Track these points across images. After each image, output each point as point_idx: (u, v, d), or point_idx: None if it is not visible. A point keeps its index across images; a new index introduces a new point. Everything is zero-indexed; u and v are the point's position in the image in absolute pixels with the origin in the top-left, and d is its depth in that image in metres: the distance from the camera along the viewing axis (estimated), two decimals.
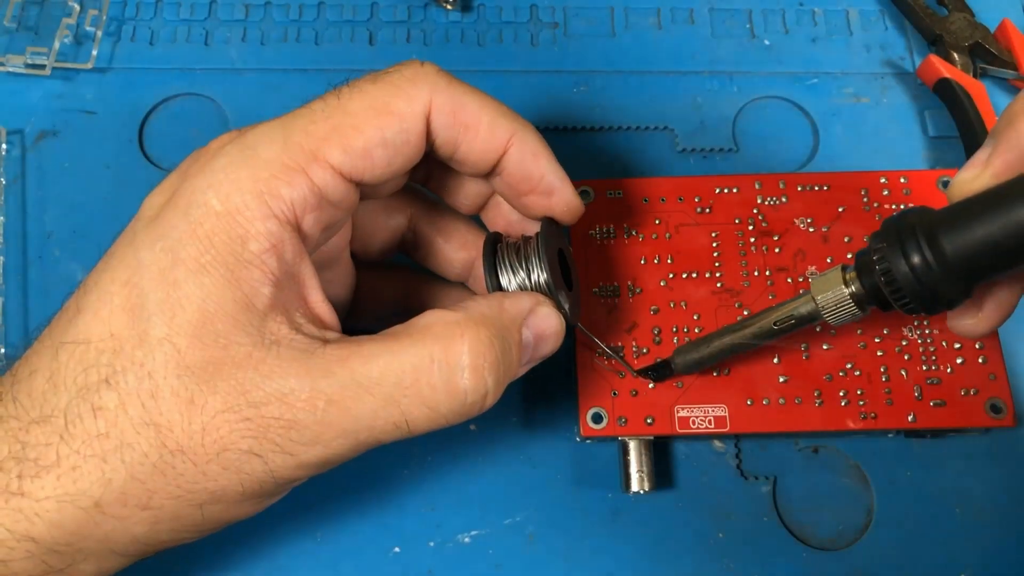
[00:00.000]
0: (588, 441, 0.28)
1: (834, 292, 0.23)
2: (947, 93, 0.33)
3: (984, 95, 0.33)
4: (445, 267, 0.27)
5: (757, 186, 0.29)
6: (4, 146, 0.32)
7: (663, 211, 0.29)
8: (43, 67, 0.33)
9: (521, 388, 0.29)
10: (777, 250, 0.29)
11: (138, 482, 0.19)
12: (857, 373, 0.27)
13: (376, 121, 0.21)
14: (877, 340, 0.27)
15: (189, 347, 0.19)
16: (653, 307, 0.28)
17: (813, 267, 0.28)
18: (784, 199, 0.29)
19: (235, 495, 0.20)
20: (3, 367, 0.29)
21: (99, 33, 0.34)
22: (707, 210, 0.29)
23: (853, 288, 0.23)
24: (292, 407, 0.20)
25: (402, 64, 0.22)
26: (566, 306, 0.24)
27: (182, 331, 0.19)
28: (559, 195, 0.24)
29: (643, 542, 0.28)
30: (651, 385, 0.27)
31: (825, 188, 0.29)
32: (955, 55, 0.34)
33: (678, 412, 0.27)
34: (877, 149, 0.33)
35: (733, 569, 0.27)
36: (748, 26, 0.35)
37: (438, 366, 0.20)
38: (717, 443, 0.29)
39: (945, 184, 0.29)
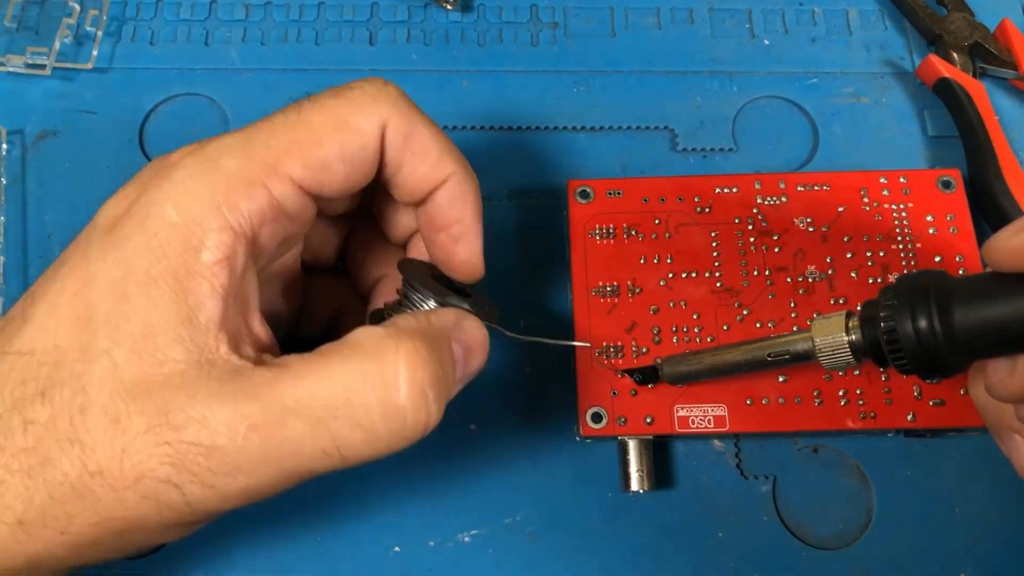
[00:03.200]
0: (588, 441, 0.28)
1: (834, 337, 0.23)
2: (947, 93, 0.33)
3: (984, 95, 0.33)
4: (362, 282, 0.27)
5: (757, 186, 0.29)
6: (4, 146, 0.32)
7: (663, 211, 0.29)
8: (43, 67, 0.33)
9: (521, 388, 0.29)
10: (777, 249, 0.29)
11: (58, 503, 0.19)
12: (856, 372, 0.27)
13: (337, 136, 0.21)
14: None
15: (126, 362, 0.19)
16: (653, 307, 0.28)
17: (813, 266, 0.28)
18: (784, 199, 0.29)
19: (155, 525, 0.19)
20: None
21: (99, 33, 0.34)
22: (707, 210, 0.29)
23: (854, 337, 0.23)
24: (212, 432, 0.18)
25: (364, 80, 0.22)
26: (478, 310, 0.23)
27: (123, 344, 0.19)
28: (464, 245, 0.24)
29: (643, 542, 0.28)
30: (633, 390, 0.27)
31: (825, 188, 0.29)
32: (955, 55, 0.34)
33: (678, 412, 0.27)
34: (876, 149, 0.33)
35: (733, 568, 0.27)
36: (748, 26, 0.35)
37: (372, 384, 0.19)
38: (717, 442, 0.29)
39: (945, 184, 0.29)
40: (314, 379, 0.19)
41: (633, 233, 0.29)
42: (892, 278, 0.28)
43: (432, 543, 0.27)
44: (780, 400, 0.27)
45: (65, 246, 0.31)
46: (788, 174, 0.30)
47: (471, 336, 0.22)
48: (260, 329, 0.21)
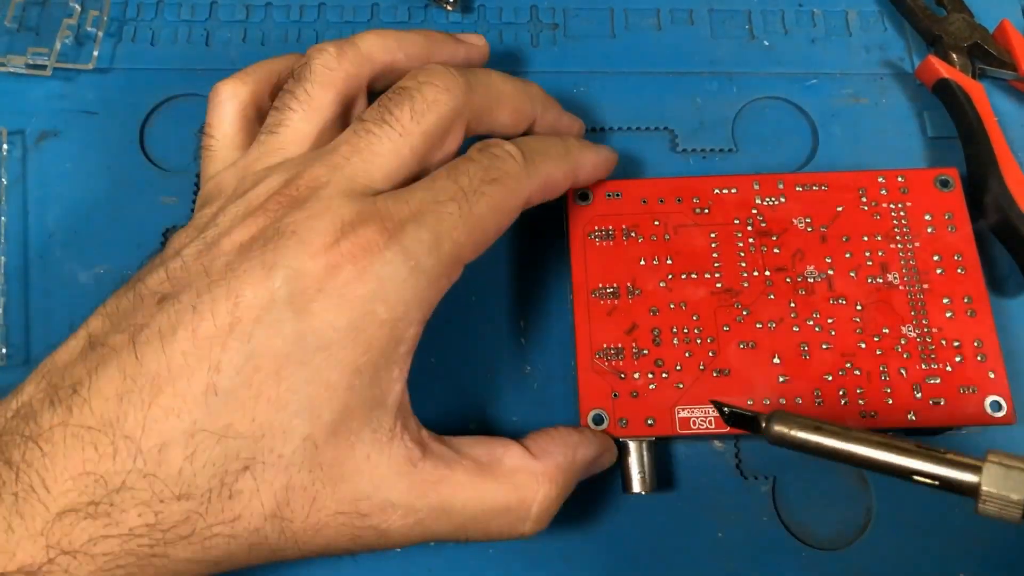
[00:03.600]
0: None
1: (1012, 491, 0.19)
2: (946, 94, 0.33)
3: (983, 96, 0.33)
4: None
5: (755, 186, 0.29)
6: (5, 146, 0.32)
7: (662, 212, 0.29)
8: (44, 68, 0.33)
9: (522, 388, 0.29)
10: (776, 250, 0.29)
11: (252, 557, 0.21)
12: (857, 372, 0.27)
13: (499, 222, 0.24)
14: (876, 339, 0.27)
15: (325, 444, 0.21)
16: (652, 308, 0.28)
17: (812, 266, 0.28)
18: (782, 199, 0.29)
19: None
20: (4, 367, 0.29)
21: (100, 34, 0.34)
22: (705, 210, 0.29)
23: None
24: (388, 520, 0.22)
25: (504, 155, 0.24)
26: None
27: (323, 429, 0.21)
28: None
29: (643, 542, 0.28)
30: (634, 391, 0.27)
31: (823, 188, 0.29)
32: (954, 56, 0.34)
33: (679, 413, 0.27)
34: (876, 149, 0.33)
35: (732, 568, 0.27)
36: (747, 27, 0.36)
37: (510, 514, 0.23)
38: (717, 443, 0.29)
39: (943, 183, 0.29)
40: (471, 494, 0.23)
41: (632, 235, 0.29)
42: (891, 278, 0.28)
43: (432, 543, 0.27)
44: (780, 400, 0.27)
45: (66, 246, 0.31)
46: (786, 175, 0.30)
47: (601, 466, 0.26)
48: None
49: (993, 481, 0.19)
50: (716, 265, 0.28)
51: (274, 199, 0.22)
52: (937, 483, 0.20)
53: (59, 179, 0.32)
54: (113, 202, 0.32)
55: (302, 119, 0.24)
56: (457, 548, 0.27)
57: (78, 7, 0.34)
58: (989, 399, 0.27)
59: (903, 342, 0.27)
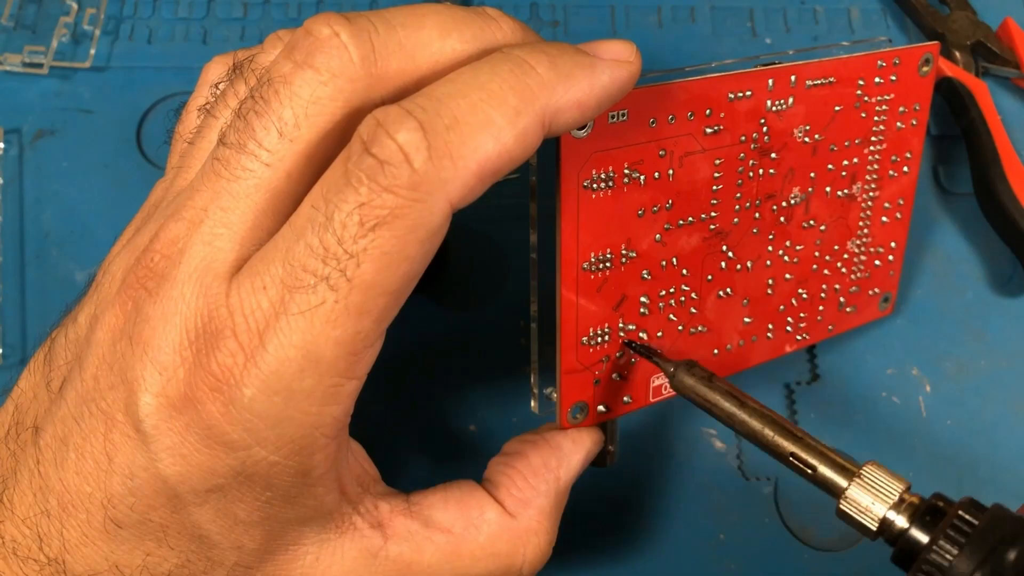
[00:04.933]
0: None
1: (874, 502, 0.19)
2: (949, 92, 0.33)
3: (986, 94, 0.33)
4: None
5: (770, 85, 0.25)
6: (1, 145, 0.32)
7: (670, 136, 0.24)
8: (41, 66, 0.33)
9: (521, 388, 0.29)
10: (772, 171, 0.26)
11: None
12: (804, 297, 0.26)
13: (407, 271, 0.17)
14: (827, 259, 0.27)
15: (261, 564, 0.19)
16: (645, 271, 0.24)
17: (797, 187, 0.26)
18: (791, 101, 0.26)
19: None
20: (0, 367, 0.29)
21: (97, 32, 0.34)
22: (718, 128, 0.24)
23: (896, 520, 0.19)
24: None
25: (391, 164, 0.16)
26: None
27: (252, 555, 0.19)
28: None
29: (643, 542, 0.28)
30: (618, 374, 0.25)
31: (830, 81, 0.26)
32: (957, 54, 0.34)
33: (652, 382, 0.25)
34: None
35: (734, 570, 0.27)
36: (749, 24, 0.35)
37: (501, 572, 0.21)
38: (718, 443, 0.29)
39: (925, 62, 0.27)
40: (447, 574, 0.20)
41: (635, 175, 0.23)
42: (855, 189, 0.27)
43: None
44: (740, 343, 0.26)
45: (62, 246, 0.31)
46: (798, 65, 0.26)
47: (589, 461, 0.24)
48: (359, 470, 0.21)
49: (862, 486, 0.19)
50: (713, 203, 0.25)
51: (132, 275, 0.18)
52: (809, 472, 0.20)
53: (56, 178, 0.32)
54: (110, 201, 0.31)
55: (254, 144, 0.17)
56: None
57: (75, 5, 0.34)
58: (883, 296, 0.27)
59: (845, 257, 0.27)
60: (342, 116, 0.17)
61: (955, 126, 0.33)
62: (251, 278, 0.17)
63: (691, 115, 0.24)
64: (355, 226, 0.16)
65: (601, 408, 0.24)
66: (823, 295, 0.26)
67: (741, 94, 0.25)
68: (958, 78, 0.33)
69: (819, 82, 0.26)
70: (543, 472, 0.22)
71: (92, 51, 0.34)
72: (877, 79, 0.27)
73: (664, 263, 0.24)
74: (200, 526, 0.18)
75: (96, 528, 0.18)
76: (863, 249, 0.27)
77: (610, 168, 0.23)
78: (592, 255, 0.23)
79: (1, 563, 0.18)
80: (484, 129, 0.16)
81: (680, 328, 0.25)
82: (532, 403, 0.24)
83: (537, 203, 0.22)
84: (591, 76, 0.18)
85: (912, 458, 0.29)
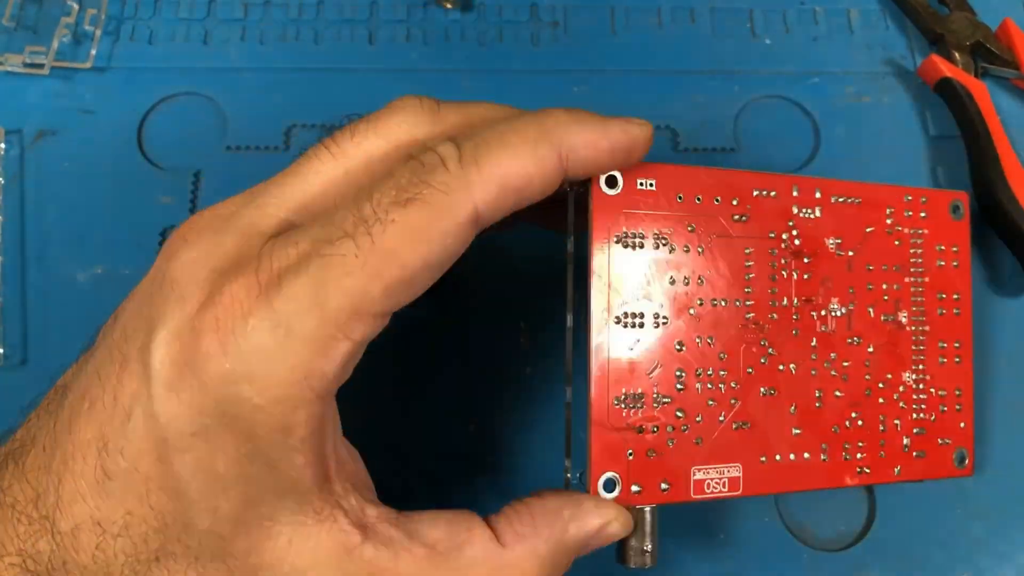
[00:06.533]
0: None
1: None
2: (948, 92, 0.33)
3: (985, 95, 0.33)
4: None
5: (794, 192, 0.25)
6: (2, 146, 0.32)
7: (699, 214, 0.24)
8: (42, 66, 0.33)
9: (522, 388, 0.29)
10: (806, 276, 0.25)
11: None
12: (860, 424, 0.25)
13: (425, 255, 0.18)
14: (881, 386, 0.25)
15: (234, 534, 0.19)
16: (677, 342, 0.23)
17: (836, 299, 0.25)
18: (818, 211, 0.26)
19: None
20: (1, 368, 0.29)
21: (98, 32, 0.34)
22: (744, 218, 0.24)
23: None
24: None
25: (432, 161, 0.19)
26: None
27: (226, 521, 0.18)
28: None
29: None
30: (651, 450, 0.23)
31: (857, 202, 0.26)
32: (956, 54, 0.34)
33: (694, 475, 0.23)
34: (878, 148, 0.33)
35: (733, 570, 0.27)
36: (749, 25, 0.35)
37: None
38: None
39: (954, 209, 0.27)
40: None
41: (664, 243, 0.24)
42: (902, 317, 0.26)
43: None
44: (791, 456, 0.24)
45: (63, 246, 0.31)
46: (824, 181, 0.26)
47: (609, 537, 0.22)
48: (343, 452, 0.21)
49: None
50: (747, 291, 0.24)
51: (176, 233, 0.20)
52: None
53: (57, 178, 0.32)
54: (111, 202, 0.31)
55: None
56: None
57: (76, 5, 0.34)
58: (957, 452, 0.26)
59: (901, 390, 0.26)
60: (408, 140, 0.21)
61: (955, 127, 0.33)
62: (288, 235, 0.19)
63: (718, 199, 0.24)
64: (390, 199, 0.18)
65: (635, 488, 0.23)
66: (882, 428, 0.25)
67: (766, 192, 0.25)
68: (957, 79, 0.33)
69: (845, 200, 0.26)
70: (551, 517, 0.21)
71: (93, 51, 0.34)
72: (907, 212, 0.27)
73: (699, 340, 0.23)
74: (181, 479, 0.18)
75: (88, 481, 0.18)
76: (922, 387, 0.26)
77: (640, 228, 0.23)
78: (623, 308, 0.23)
79: (7, 509, 0.19)
80: (506, 149, 0.19)
81: (722, 418, 0.24)
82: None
83: (573, 284, 0.23)
84: (603, 124, 0.21)
85: None
